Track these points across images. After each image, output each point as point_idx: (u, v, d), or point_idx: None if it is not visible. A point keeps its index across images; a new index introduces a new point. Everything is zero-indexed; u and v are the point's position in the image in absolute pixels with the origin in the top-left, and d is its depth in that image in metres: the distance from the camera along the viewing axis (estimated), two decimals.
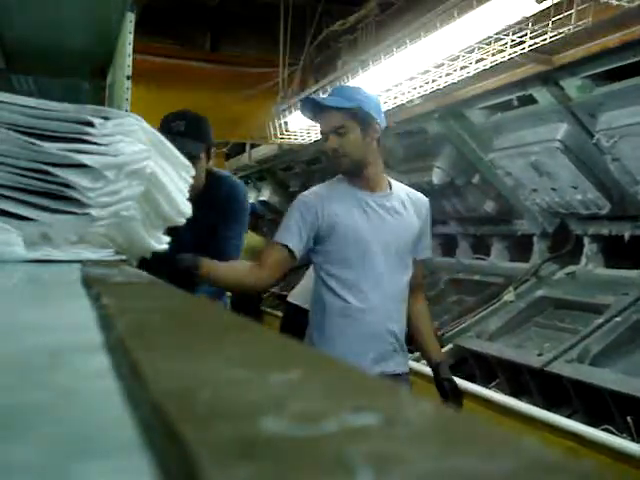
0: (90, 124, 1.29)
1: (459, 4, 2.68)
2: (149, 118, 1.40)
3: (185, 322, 0.59)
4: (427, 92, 3.47)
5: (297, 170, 6.53)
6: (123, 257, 1.35)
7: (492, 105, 3.69)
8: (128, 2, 2.00)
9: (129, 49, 2.04)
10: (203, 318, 0.63)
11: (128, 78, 2.05)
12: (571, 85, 3.08)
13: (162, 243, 1.46)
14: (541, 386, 2.85)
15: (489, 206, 4.13)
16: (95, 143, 1.28)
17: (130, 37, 2.04)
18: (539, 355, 2.87)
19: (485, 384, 3.09)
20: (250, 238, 6.33)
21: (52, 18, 2.15)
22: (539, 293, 3.54)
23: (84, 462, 0.27)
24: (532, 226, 3.94)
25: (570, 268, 3.66)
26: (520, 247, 4.18)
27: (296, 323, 4.94)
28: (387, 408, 0.30)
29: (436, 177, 4.13)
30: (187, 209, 1.47)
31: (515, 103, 3.48)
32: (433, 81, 3.29)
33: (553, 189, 3.51)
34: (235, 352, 0.43)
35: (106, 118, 1.32)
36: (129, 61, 2.05)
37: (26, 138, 1.24)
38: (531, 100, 3.36)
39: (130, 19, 2.04)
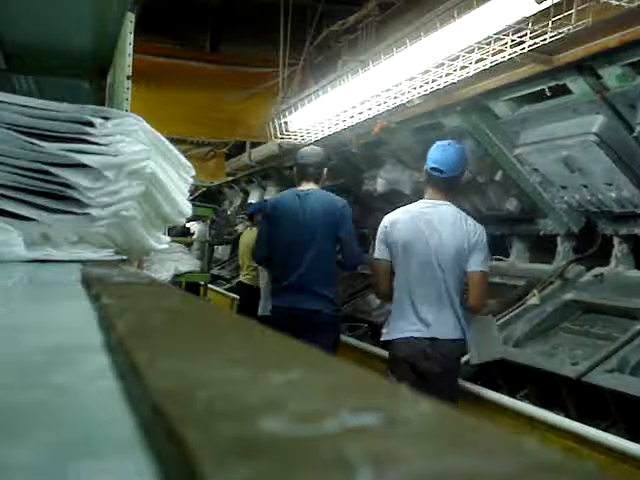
0: (90, 124, 1.29)
1: (459, 4, 2.67)
2: (149, 118, 1.40)
3: (185, 322, 0.59)
4: (427, 92, 3.46)
5: None
6: (123, 257, 1.36)
7: (519, 97, 3.39)
8: (128, 2, 1.99)
9: (129, 49, 2.04)
10: (203, 318, 0.63)
11: (128, 78, 2.05)
12: (610, 74, 2.84)
13: (162, 243, 1.46)
14: (576, 397, 2.64)
15: (512, 204, 3.87)
16: (95, 143, 1.28)
17: (130, 37, 2.04)
18: (574, 364, 2.65)
19: (512, 394, 2.88)
20: (253, 235, 6.28)
21: (52, 18, 2.15)
22: (567, 296, 3.31)
23: (84, 462, 0.27)
24: (557, 226, 3.72)
25: (597, 270, 3.41)
26: (541, 247, 3.96)
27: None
28: (387, 408, 0.30)
29: None
30: (187, 209, 1.47)
31: (547, 94, 3.19)
32: (433, 81, 3.28)
33: (584, 186, 3.27)
34: (235, 352, 0.43)
35: (106, 118, 1.32)
36: (129, 61, 2.05)
37: (26, 138, 1.24)
38: (563, 91, 3.09)
39: (130, 19, 2.04)
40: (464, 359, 2.96)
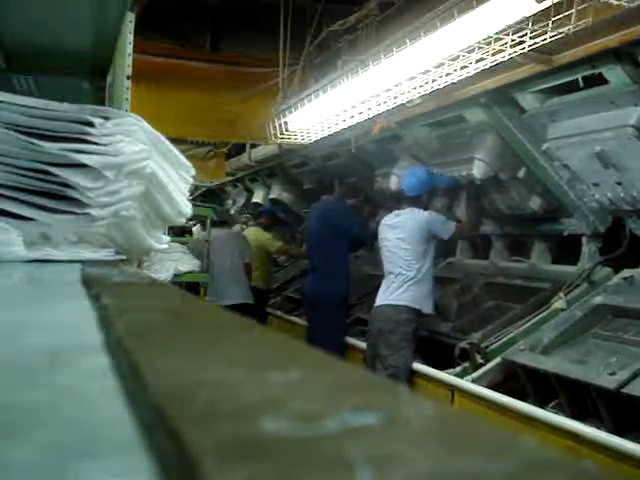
0: (90, 124, 1.29)
1: (459, 4, 2.67)
2: (149, 118, 1.40)
3: (185, 322, 0.59)
4: (427, 92, 3.44)
5: (311, 166, 6.07)
6: (123, 257, 1.36)
7: (548, 88, 3.18)
8: (128, 2, 1.99)
9: (129, 49, 2.04)
10: (203, 318, 0.63)
11: (128, 78, 2.05)
12: None
13: (162, 243, 1.46)
14: (613, 409, 2.44)
15: (535, 203, 3.69)
16: (95, 143, 1.28)
17: (130, 37, 2.04)
18: (611, 374, 2.46)
19: (541, 404, 2.72)
20: (259, 235, 6.19)
21: (52, 18, 2.15)
22: (597, 300, 3.10)
23: (84, 462, 0.27)
24: (582, 225, 3.52)
25: (626, 272, 3.21)
26: (563, 248, 3.78)
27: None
28: (387, 408, 0.30)
29: (477, 170, 3.66)
30: (187, 209, 1.46)
31: (578, 85, 2.98)
32: (433, 81, 3.28)
33: (618, 183, 3.06)
34: (235, 352, 0.43)
35: (106, 118, 1.32)
36: (129, 61, 2.05)
37: (26, 138, 1.24)
38: (599, 80, 2.88)
39: (130, 19, 2.04)
40: None
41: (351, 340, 4.29)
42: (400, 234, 3.87)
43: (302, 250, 6.76)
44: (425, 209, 3.92)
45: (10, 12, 2.07)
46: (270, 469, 0.23)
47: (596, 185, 3.21)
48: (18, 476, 0.26)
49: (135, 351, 0.39)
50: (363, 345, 4.04)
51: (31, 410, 0.33)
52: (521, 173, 3.64)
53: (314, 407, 0.29)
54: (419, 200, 3.95)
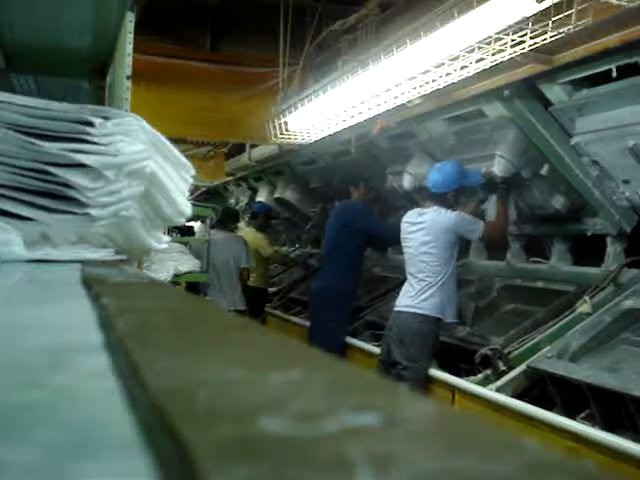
0: (90, 124, 1.29)
1: (459, 4, 2.68)
2: (149, 118, 1.40)
3: (185, 322, 0.59)
4: (427, 92, 3.44)
5: (320, 164, 5.83)
6: (123, 257, 1.35)
7: (577, 79, 3.02)
8: (128, 2, 2.00)
9: (129, 49, 2.04)
10: (203, 318, 0.63)
11: (128, 78, 2.05)
12: None
13: (162, 243, 1.46)
14: None
15: (558, 202, 3.48)
16: (95, 143, 1.28)
17: (130, 37, 2.04)
18: None
19: (570, 414, 2.57)
20: (252, 236, 6.15)
21: (52, 18, 2.15)
22: (626, 304, 2.93)
23: (84, 462, 0.27)
24: (607, 225, 3.34)
25: None
26: (584, 249, 3.62)
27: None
28: (387, 408, 0.30)
29: (499, 168, 3.47)
30: (187, 209, 1.46)
31: (608, 76, 2.80)
32: (433, 81, 3.28)
33: None
34: (235, 352, 0.43)
35: (106, 118, 1.32)
36: (129, 61, 2.05)
37: (26, 138, 1.24)
38: (633, 70, 2.73)
39: (130, 19, 2.04)
40: None
41: (358, 343, 4.16)
42: (425, 237, 3.62)
43: (297, 258, 6.75)
44: (449, 207, 3.64)
45: (11, 12, 2.07)
46: (270, 469, 0.23)
47: (627, 182, 3.04)
48: (18, 476, 0.26)
49: (135, 351, 0.39)
50: (370, 348, 3.94)
51: (31, 410, 0.33)
52: (544, 170, 3.45)
53: (314, 407, 0.29)
54: (444, 198, 3.68)
